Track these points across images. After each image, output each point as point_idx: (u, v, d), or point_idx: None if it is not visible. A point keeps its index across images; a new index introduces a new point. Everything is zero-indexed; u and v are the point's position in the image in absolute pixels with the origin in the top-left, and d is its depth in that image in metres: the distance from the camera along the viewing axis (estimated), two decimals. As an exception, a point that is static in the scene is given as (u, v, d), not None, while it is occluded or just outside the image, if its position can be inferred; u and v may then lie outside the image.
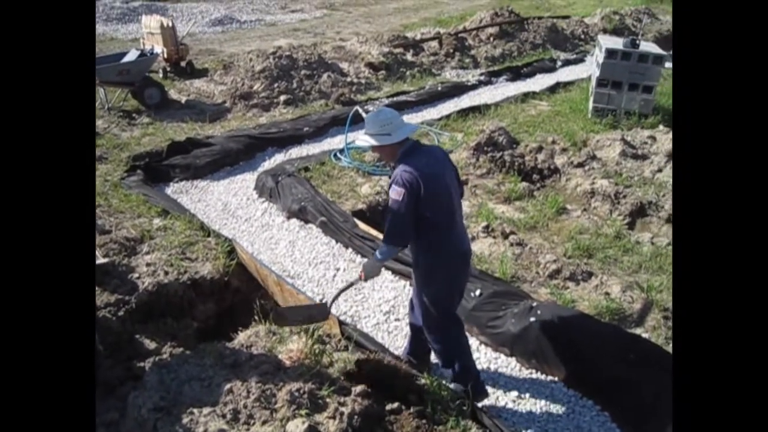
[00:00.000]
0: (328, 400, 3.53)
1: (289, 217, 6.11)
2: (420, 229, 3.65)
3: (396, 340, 4.63)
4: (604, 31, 16.40)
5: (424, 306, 3.86)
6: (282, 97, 9.52)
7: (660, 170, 7.33)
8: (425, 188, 3.52)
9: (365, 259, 5.39)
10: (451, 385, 3.99)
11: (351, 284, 4.04)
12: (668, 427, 3.88)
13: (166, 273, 4.94)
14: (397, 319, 4.83)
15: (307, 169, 7.00)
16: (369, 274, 3.82)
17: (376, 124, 3.67)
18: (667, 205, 6.50)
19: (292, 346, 4.01)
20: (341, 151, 7.26)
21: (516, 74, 11.87)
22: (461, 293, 4.01)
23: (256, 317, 4.47)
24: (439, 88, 10.31)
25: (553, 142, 7.93)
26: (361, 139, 3.78)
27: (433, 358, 4.28)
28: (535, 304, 4.54)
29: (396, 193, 3.52)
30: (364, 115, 6.98)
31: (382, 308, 4.93)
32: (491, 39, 13.84)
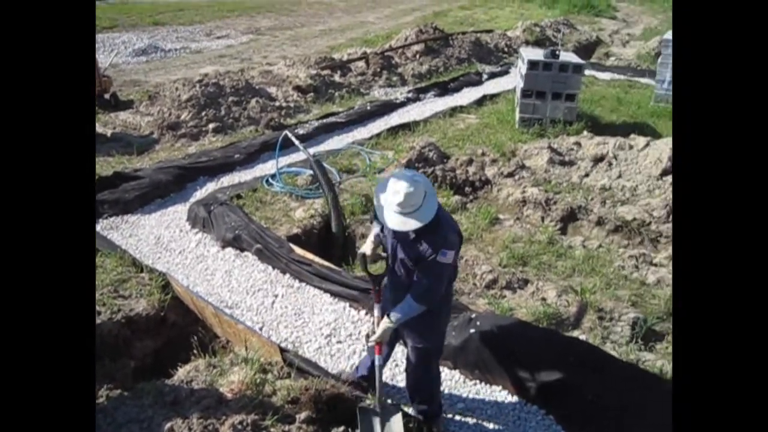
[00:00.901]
0: (272, 430, 3.48)
1: (223, 247, 6.02)
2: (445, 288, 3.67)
3: (339, 362, 4.59)
4: (527, 42, 16.84)
5: (419, 355, 3.81)
6: (210, 125, 9.39)
7: (587, 175, 7.55)
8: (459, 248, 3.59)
9: (303, 285, 5.37)
10: (410, 410, 4.00)
11: (380, 366, 3.81)
12: (610, 426, 3.99)
13: (99, 313, 4.79)
14: (339, 342, 4.80)
15: (239, 196, 6.92)
16: (385, 340, 3.69)
17: (413, 196, 3.22)
18: (596, 208, 6.70)
19: (233, 378, 3.94)
20: (273, 176, 7.22)
21: (443, 89, 12.05)
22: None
23: (196, 351, 4.37)
24: (369, 108, 10.37)
25: (483, 154, 8.07)
26: (406, 223, 3.26)
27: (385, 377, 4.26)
28: (474, 315, 4.59)
29: (448, 257, 3.40)
30: (294, 139, 6.96)
31: (323, 332, 4.89)
32: (417, 56, 14.03)
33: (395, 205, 3.23)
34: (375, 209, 3.57)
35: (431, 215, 3.28)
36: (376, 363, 3.73)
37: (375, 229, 3.77)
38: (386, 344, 3.84)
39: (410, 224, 3.24)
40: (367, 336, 3.70)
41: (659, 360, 4.57)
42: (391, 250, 3.59)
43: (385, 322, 3.59)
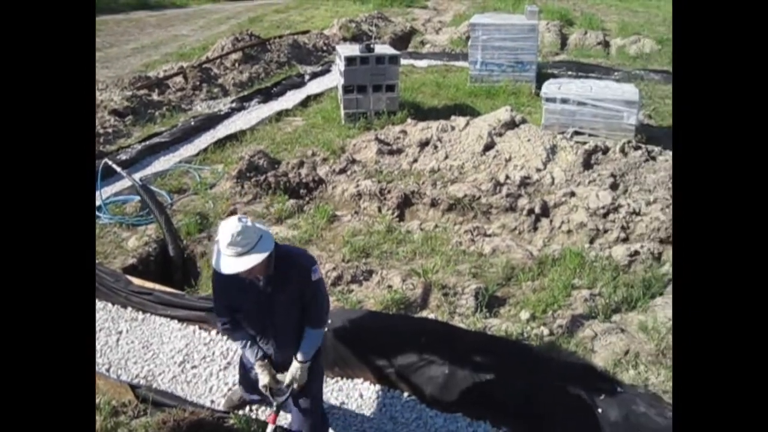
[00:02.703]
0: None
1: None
2: None
3: (197, 388, 4.45)
4: (344, 39, 17.06)
5: (316, 400, 3.75)
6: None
7: (416, 160, 7.79)
8: None
9: (147, 315, 5.14)
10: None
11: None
12: (470, 392, 4.17)
13: None
14: (193, 367, 4.65)
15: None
16: (302, 379, 3.53)
17: (243, 237, 3.07)
18: (429, 191, 6.94)
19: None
20: (98, 208, 6.83)
21: (267, 95, 11.93)
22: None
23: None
24: (193, 123, 10.06)
25: (313, 154, 8.11)
26: (251, 259, 3.10)
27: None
28: (324, 314, 4.61)
29: (319, 272, 3.43)
30: (116, 167, 6.60)
31: (176, 359, 4.71)
32: (236, 65, 13.79)
33: (234, 248, 3.08)
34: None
35: (271, 244, 3.21)
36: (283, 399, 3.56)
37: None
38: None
39: (254, 258, 3.10)
40: (271, 390, 3.52)
41: (504, 323, 4.83)
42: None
43: (297, 365, 3.47)
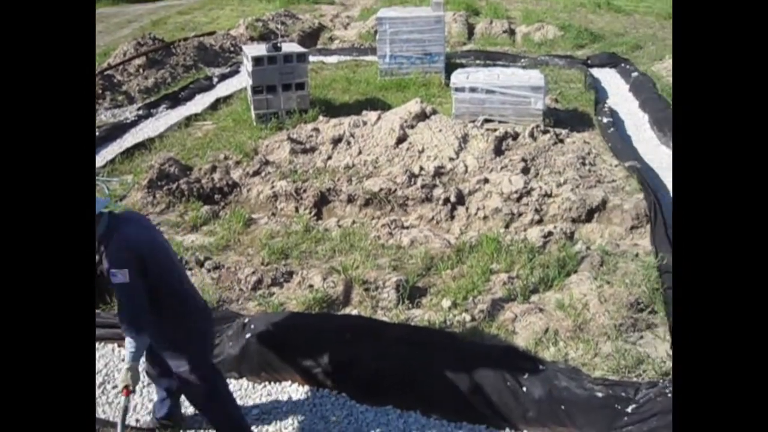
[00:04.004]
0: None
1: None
2: (158, 303, 3.32)
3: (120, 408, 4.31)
4: (251, 39, 16.80)
5: (186, 379, 3.56)
6: None
7: (330, 157, 7.77)
8: (149, 258, 3.23)
9: (120, 351, 4.94)
10: None
11: (125, 408, 3.37)
12: (390, 388, 4.20)
13: None
14: (114, 387, 4.49)
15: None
16: (133, 382, 3.31)
17: None
18: (344, 187, 6.93)
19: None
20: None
21: (175, 100, 11.63)
22: (213, 347, 3.79)
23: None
24: (97, 134, 9.71)
25: (226, 158, 7.96)
26: None
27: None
28: (247, 320, 4.55)
29: (119, 278, 3.12)
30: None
31: (95, 381, 4.55)
32: (141, 70, 13.37)
33: None
34: None
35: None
36: (122, 404, 3.37)
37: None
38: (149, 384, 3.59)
39: None
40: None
41: (426, 313, 4.88)
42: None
43: (122, 364, 3.36)
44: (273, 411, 4.24)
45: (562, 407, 3.90)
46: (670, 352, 4.33)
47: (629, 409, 3.81)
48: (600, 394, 3.88)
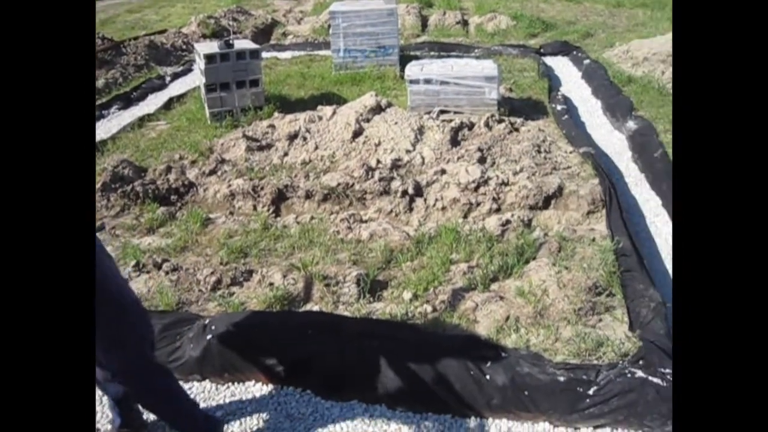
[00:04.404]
0: None
1: None
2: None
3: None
4: (204, 36, 16.58)
5: (124, 377, 3.48)
6: None
7: (286, 154, 7.72)
8: None
9: None
10: None
11: None
12: (355, 382, 4.20)
13: None
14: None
15: None
16: None
17: None
18: (302, 183, 6.89)
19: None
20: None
21: (126, 101, 11.41)
22: (149, 342, 3.70)
23: None
24: (48, 138, 9.49)
25: (181, 158, 7.84)
26: None
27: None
28: (207, 321, 4.49)
29: None
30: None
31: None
32: (90, 72, 13.12)
33: None
34: None
35: None
36: None
37: None
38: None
39: None
40: None
41: (388, 306, 4.89)
42: None
43: None
44: (237, 412, 4.21)
45: (526, 393, 3.94)
46: (629, 334, 4.41)
47: (591, 392, 3.87)
48: (562, 378, 3.93)
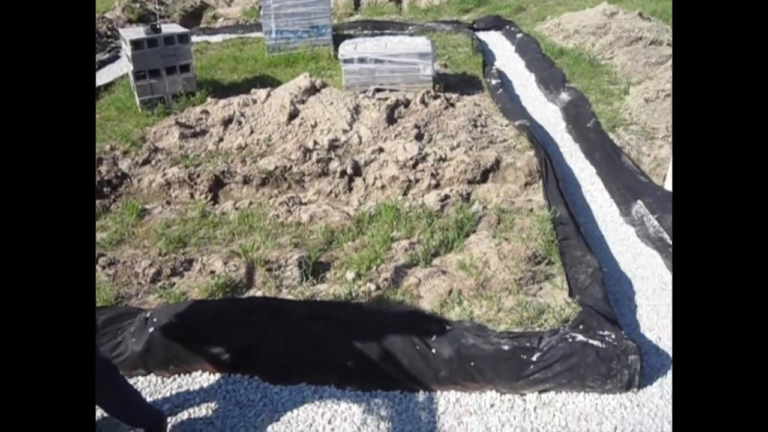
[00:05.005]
0: None
1: None
2: None
3: None
4: (130, 21, 16.11)
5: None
6: None
7: (221, 139, 7.58)
8: None
9: None
10: None
11: None
12: (303, 365, 4.19)
13: None
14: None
15: None
16: None
17: None
18: (239, 168, 6.79)
19: None
20: None
21: (52, 92, 11.03)
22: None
23: None
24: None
25: (112, 148, 7.61)
26: None
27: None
28: (149, 314, 4.40)
29: None
30: None
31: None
32: (11, 63, 12.59)
33: None
34: None
35: None
36: None
37: None
38: None
39: None
40: None
41: (332, 287, 4.88)
42: None
43: None
44: (185, 403, 4.15)
45: (472, 364, 4.01)
46: (568, 300, 4.52)
47: (534, 358, 3.96)
48: (506, 347, 4.00)
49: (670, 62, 9.26)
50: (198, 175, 6.66)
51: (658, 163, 6.73)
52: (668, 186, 6.16)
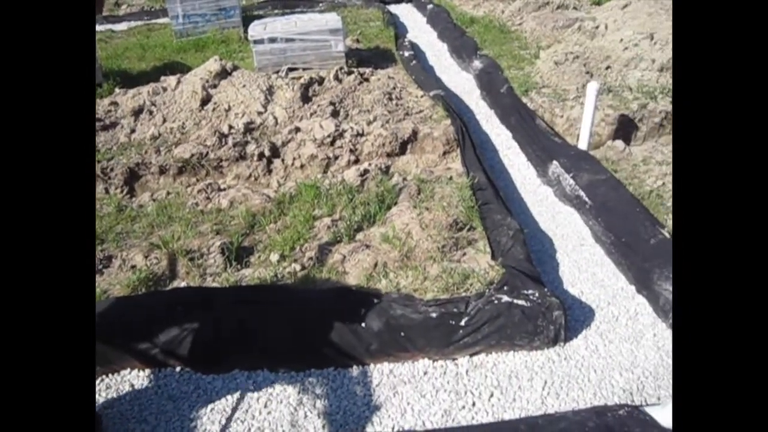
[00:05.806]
0: None
1: None
2: None
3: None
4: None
5: None
6: None
7: (133, 131, 7.35)
8: None
9: None
10: None
11: None
12: (233, 352, 4.16)
13: None
14: None
15: None
16: None
17: None
18: (154, 159, 6.61)
19: None
20: None
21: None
22: None
23: None
24: None
25: None
26: None
27: None
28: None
29: None
30: None
31: None
32: None
33: None
34: None
35: None
36: None
37: None
38: None
39: None
40: None
41: (256, 271, 4.83)
42: None
43: None
44: (116, 403, 4.05)
45: (402, 334, 4.06)
46: (492, 263, 4.61)
47: (462, 323, 4.04)
48: (434, 315, 4.07)
49: (577, 25, 9.50)
50: (111, 169, 6.45)
51: (571, 124, 6.92)
52: (582, 145, 6.35)
